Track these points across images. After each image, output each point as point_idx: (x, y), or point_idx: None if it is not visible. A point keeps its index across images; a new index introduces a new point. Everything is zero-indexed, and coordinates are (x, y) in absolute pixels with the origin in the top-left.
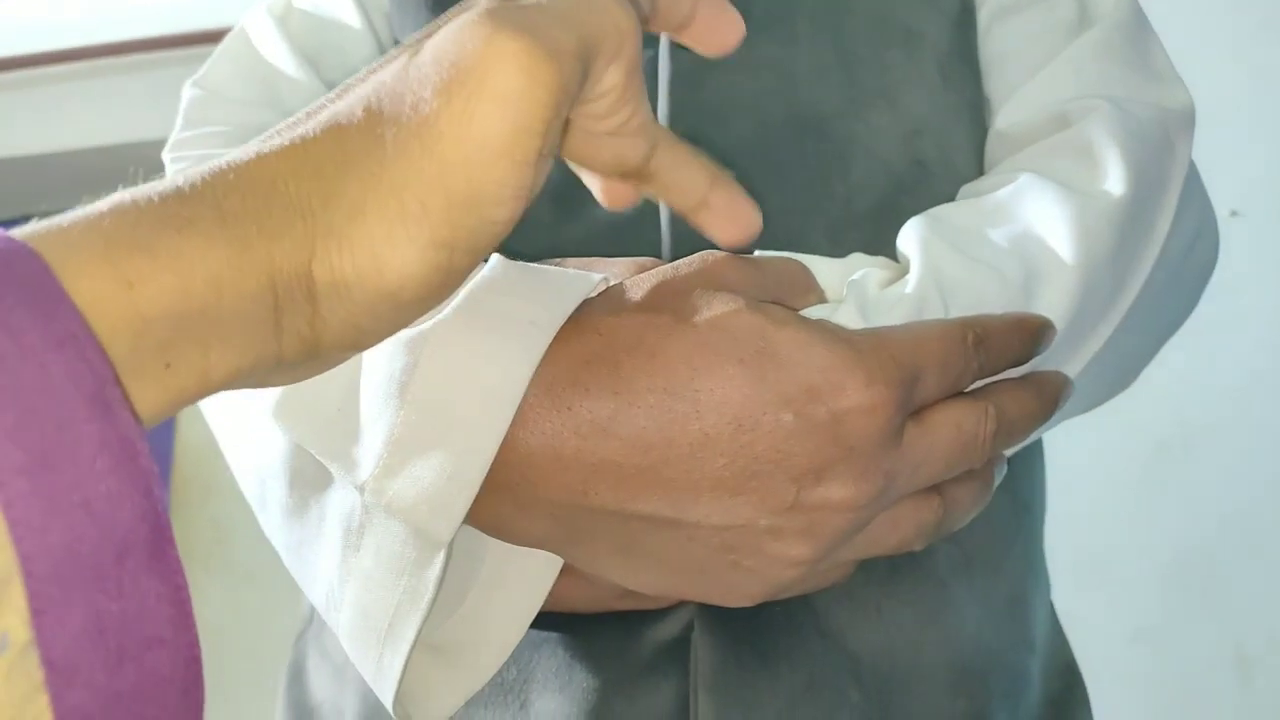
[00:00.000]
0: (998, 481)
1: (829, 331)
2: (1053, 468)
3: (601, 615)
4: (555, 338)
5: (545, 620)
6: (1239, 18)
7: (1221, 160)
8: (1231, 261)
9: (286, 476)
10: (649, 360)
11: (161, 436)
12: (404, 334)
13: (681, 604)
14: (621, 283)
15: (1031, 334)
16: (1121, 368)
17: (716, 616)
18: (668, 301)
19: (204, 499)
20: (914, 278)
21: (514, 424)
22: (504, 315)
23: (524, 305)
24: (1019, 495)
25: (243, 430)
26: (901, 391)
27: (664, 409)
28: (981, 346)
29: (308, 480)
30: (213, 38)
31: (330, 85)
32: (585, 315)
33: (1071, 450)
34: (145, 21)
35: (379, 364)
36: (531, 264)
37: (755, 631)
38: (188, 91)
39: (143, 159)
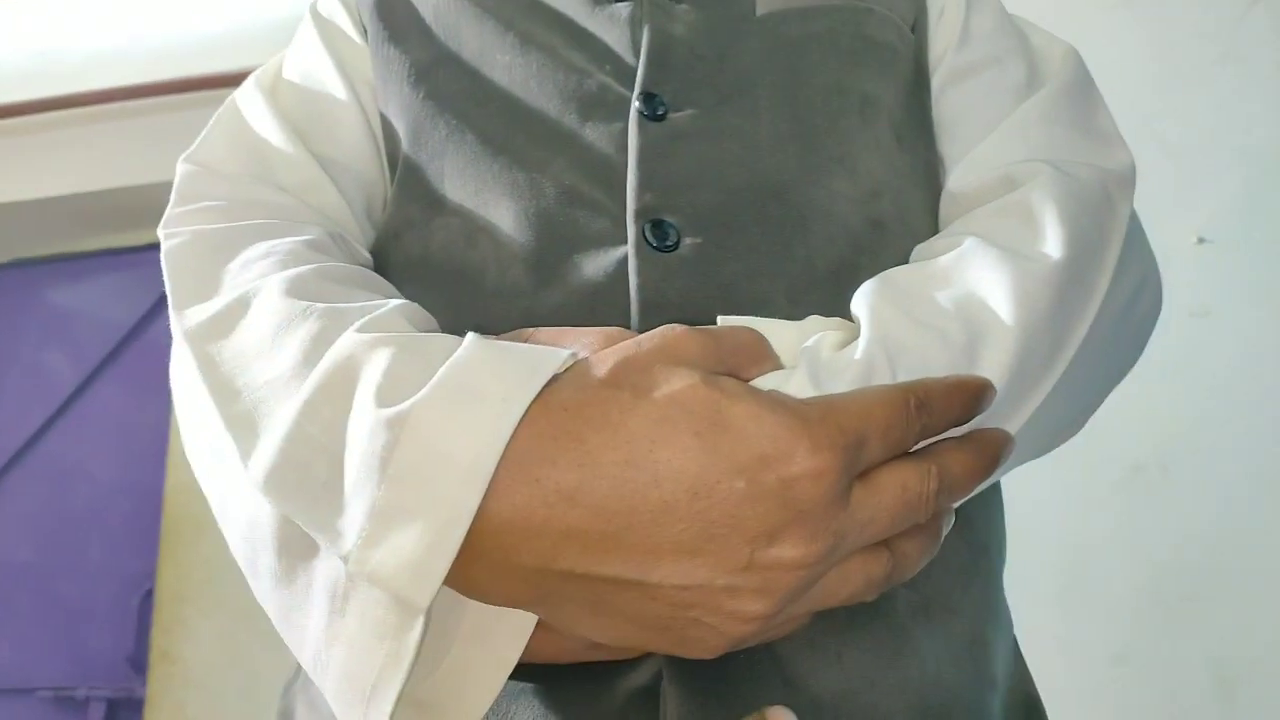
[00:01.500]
0: (945, 532)
1: (778, 402)
2: (1029, 495)
3: (575, 665)
4: (525, 414)
5: (522, 671)
6: (1204, 48)
7: (1188, 188)
8: (1200, 287)
9: (275, 545)
10: (612, 434)
11: (152, 477)
12: (385, 413)
13: (650, 654)
14: (588, 359)
15: (972, 395)
16: (1066, 418)
17: (684, 666)
18: (629, 377)
19: (196, 538)
20: (862, 343)
21: (487, 496)
22: (478, 394)
23: (496, 384)
24: (975, 539)
25: (234, 500)
26: (847, 456)
27: (626, 480)
28: (924, 409)
29: (295, 549)
30: (198, 84)
31: (319, 157)
32: (553, 391)
33: (1049, 475)
34: (133, 69)
35: (360, 441)
36: (503, 342)
37: (721, 680)
38: (181, 167)
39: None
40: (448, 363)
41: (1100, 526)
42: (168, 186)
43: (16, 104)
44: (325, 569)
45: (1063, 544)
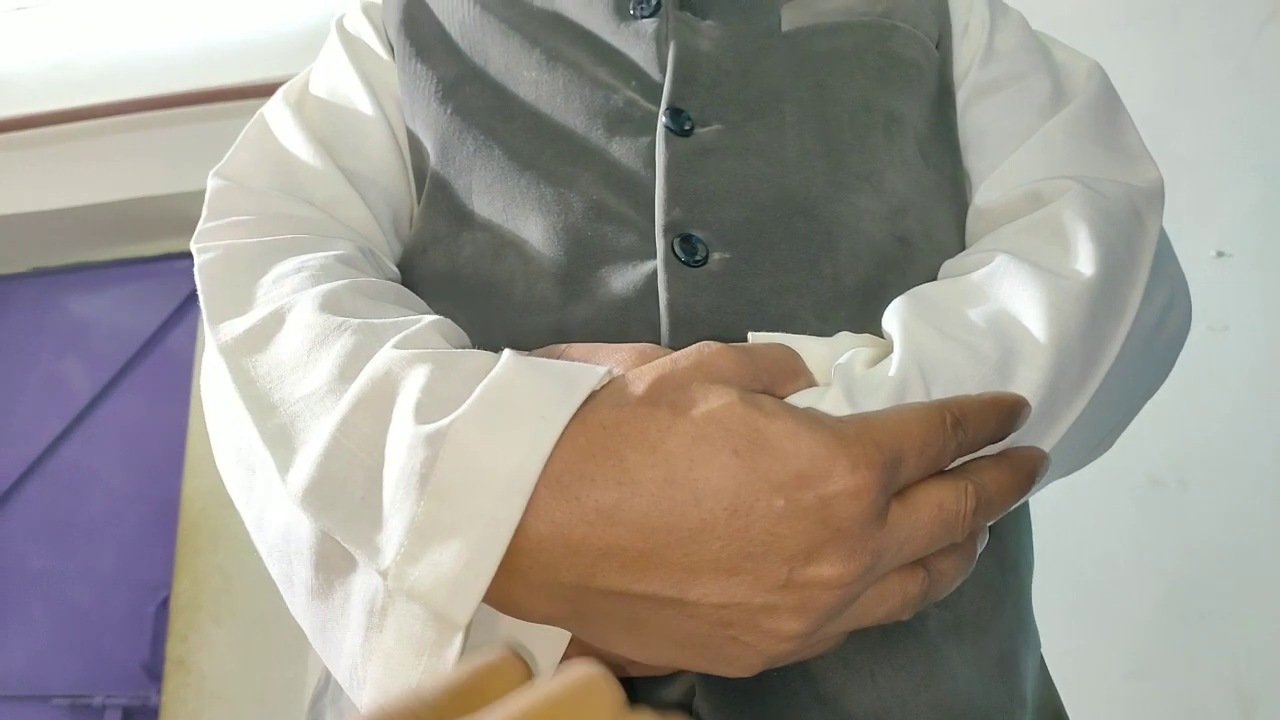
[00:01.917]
0: (979, 550)
1: (816, 420)
2: (1048, 509)
3: None
4: (563, 431)
5: None
6: (1219, 64)
7: (1207, 203)
8: (1218, 301)
9: (312, 559)
10: (651, 453)
11: (169, 485)
12: (424, 429)
13: (683, 671)
14: (624, 375)
15: (1007, 412)
16: (1097, 435)
17: (716, 683)
18: (667, 395)
19: (212, 547)
20: (896, 360)
21: (526, 513)
22: (517, 411)
23: (535, 401)
24: (1006, 557)
25: (269, 514)
26: (885, 475)
27: (665, 498)
28: (960, 427)
29: (333, 564)
30: (216, 96)
31: (346, 172)
32: (591, 409)
33: (1066, 490)
34: (150, 81)
35: (399, 457)
36: (540, 359)
37: (754, 697)
38: (211, 182)
39: (148, 214)
40: (486, 380)
41: (1118, 541)
42: (184, 197)
43: (35, 115)
44: (363, 584)
45: (1080, 558)
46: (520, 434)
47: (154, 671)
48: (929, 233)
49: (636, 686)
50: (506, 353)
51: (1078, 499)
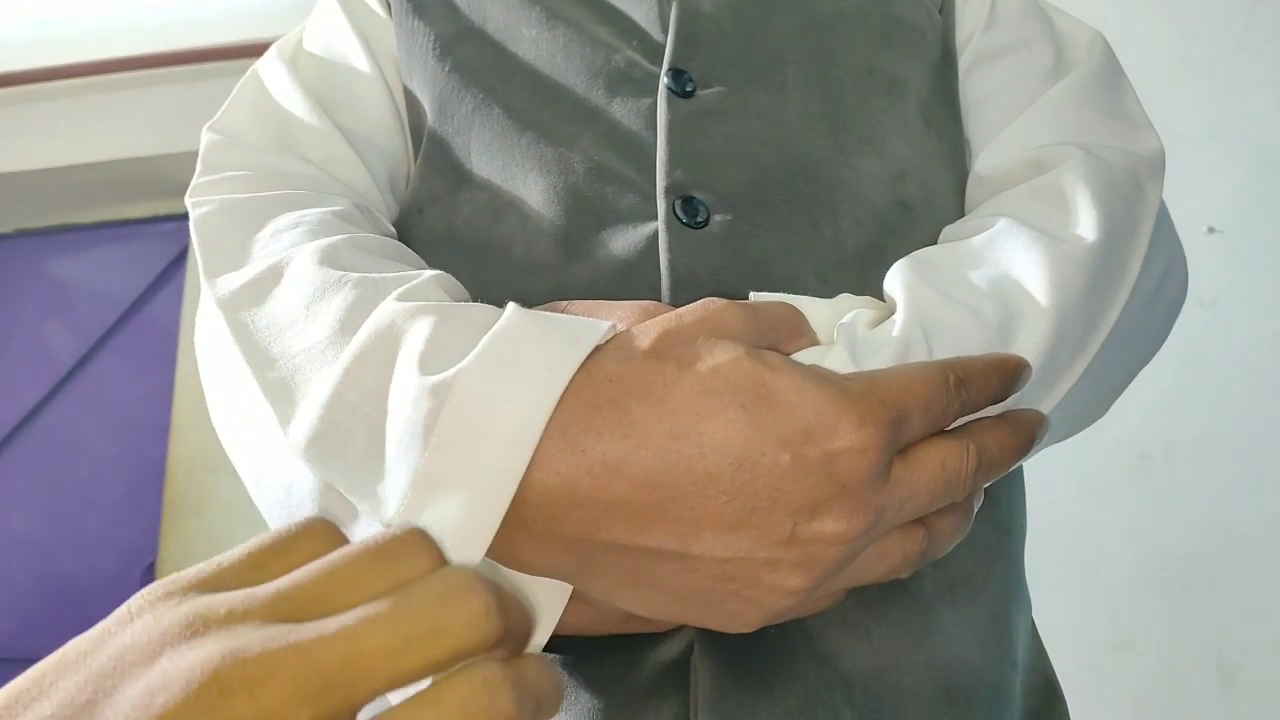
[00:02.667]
0: (976, 510)
1: (822, 376)
2: (1036, 481)
3: (606, 638)
4: (569, 384)
5: (552, 644)
6: (1215, 39)
7: (1199, 178)
8: (1210, 277)
9: (315, 512)
10: (656, 406)
11: (154, 450)
12: (428, 380)
13: (681, 627)
14: (630, 330)
15: (1009, 374)
16: (1094, 401)
17: (715, 639)
18: (673, 349)
19: (197, 512)
20: (900, 320)
21: (531, 465)
22: (522, 363)
23: (540, 353)
24: (1000, 520)
25: (270, 469)
26: (890, 432)
27: (670, 451)
28: (963, 387)
29: (335, 517)
30: (202, 56)
31: (342, 129)
32: (597, 362)
33: (1054, 464)
34: (136, 40)
35: (403, 408)
36: (545, 312)
37: (752, 654)
38: (205, 136)
39: (134, 175)
40: (491, 331)
41: (1105, 514)
42: (170, 159)
43: (19, 72)
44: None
45: (1067, 531)
46: (526, 386)
47: None
48: (930, 198)
49: (634, 643)
50: (511, 306)
51: (1066, 473)
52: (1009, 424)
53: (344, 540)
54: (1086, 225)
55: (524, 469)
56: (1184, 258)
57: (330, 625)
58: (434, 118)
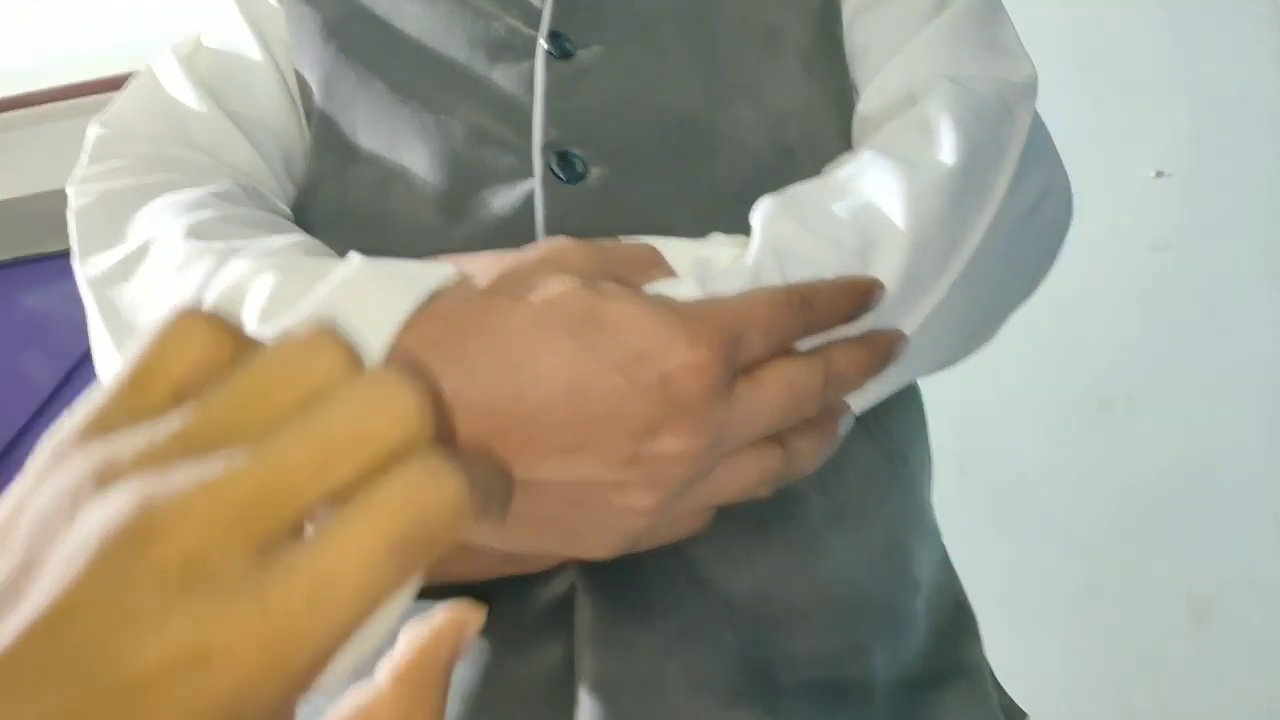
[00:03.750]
0: (843, 432)
1: (658, 302)
2: (1002, 436)
3: (492, 582)
4: (408, 326)
5: (441, 593)
6: None
7: (1145, 123)
8: (1159, 221)
9: None
10: (490, 338)
11: None
12: (263, 329)
13: (565, 565)
14: (472, 272)
15: (860, 294)
16: (973, 324)
17: (596, 576)
18: (510, 285)
19: None
20: (754, 249)
21: None
22: (358, 307)
23: (376, 297)
24: (893, 449)
25: None
26: (725, 351)
27: (504, 381)
28: (808, 307)
29: None
30: None
31: (234, 116)
32: (435, 303)
33: (1018, 418)
34: (86, 66)
35: None
36: (388, 260)
37: (633, 586)
38: (93, 130)
39: None
40: (327, 279)
41: (1071, 463)
42: None
43: None
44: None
45: (1033, 482)
46: (359, 330)
47: None
48: (813, 142)
49: (520, 585)
50: (352, 254)
51: (1029, 423)
52: (862, 342)
53: (219, 326)
54: (946, 150)
55: None
56: (1066, 182)
57: (240, 455)
58: (321, 97)
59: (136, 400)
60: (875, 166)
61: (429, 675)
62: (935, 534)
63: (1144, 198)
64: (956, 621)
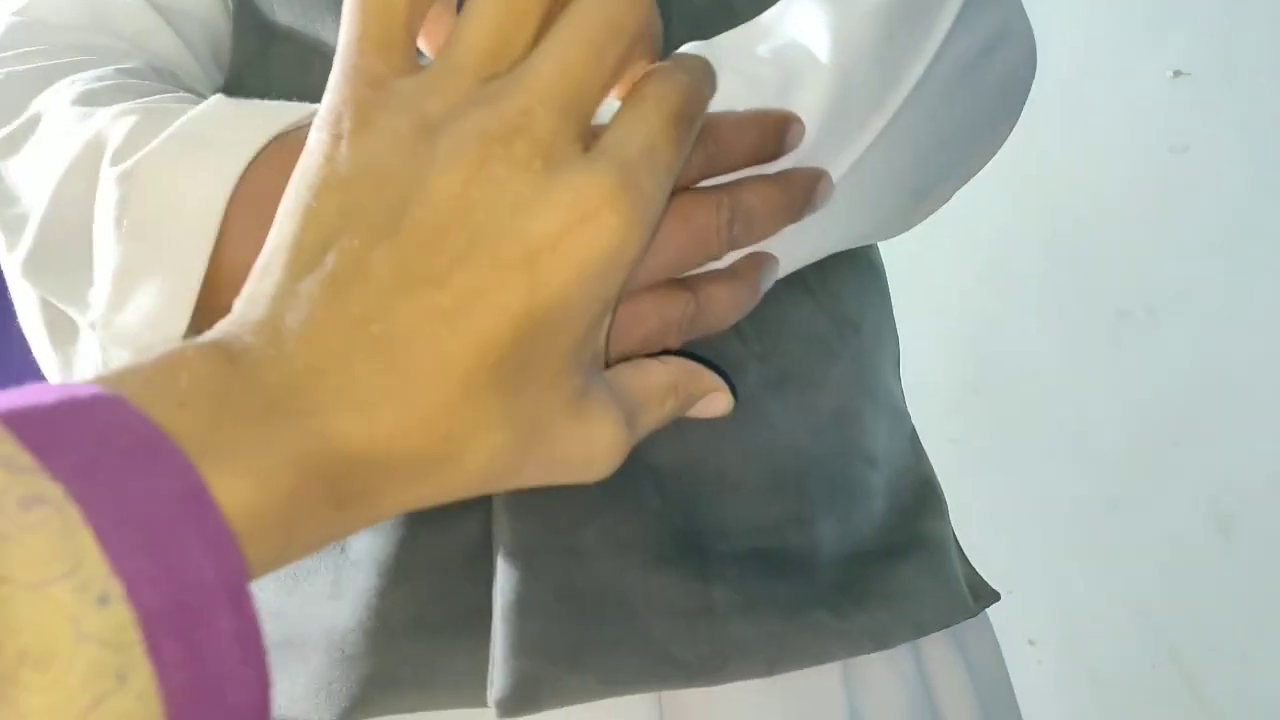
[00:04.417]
0: (766, 284)
1: None
2: (1018, 344)
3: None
4: (263, 159)
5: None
6: None
7: (1162, 21)
8: (1178, 122)
9: (47, 335)
10: None
11: None
12: (115, 170)
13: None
14: None
15: (771, 128)
16: (916, 178)
17: None
18: None
19: None
20: None
21: (225, 243)
22: (208, 141)
23: (229, 132)
24: (841, 315)
25: (16, 301)
26: None
27: None
28: (710, 139)
29: (64, 335)
30: None
31: (156, 5)
32: (295, 134)
33: (1034, 332)
34: None
35: (101, 206)
36: (250, 100)
37: None
38: (4, 20)
39: None
40: (182, 118)
41: (1090, 376)
42: None
43: None
44: (86, 348)
45: (1053, 397)
46: (208, 162)
47: None
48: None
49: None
50: (214, 95)
51: (1047, 335)
52: (776, 180)
53: None
54: None
55: (210, 246)
56: (1028, 29)
57: (538, 64)
58: None
59: (407, 45)
60: (801, 6)
61: None
62: (898, 413)
63: (1161, 99)
64: (920, 498)
